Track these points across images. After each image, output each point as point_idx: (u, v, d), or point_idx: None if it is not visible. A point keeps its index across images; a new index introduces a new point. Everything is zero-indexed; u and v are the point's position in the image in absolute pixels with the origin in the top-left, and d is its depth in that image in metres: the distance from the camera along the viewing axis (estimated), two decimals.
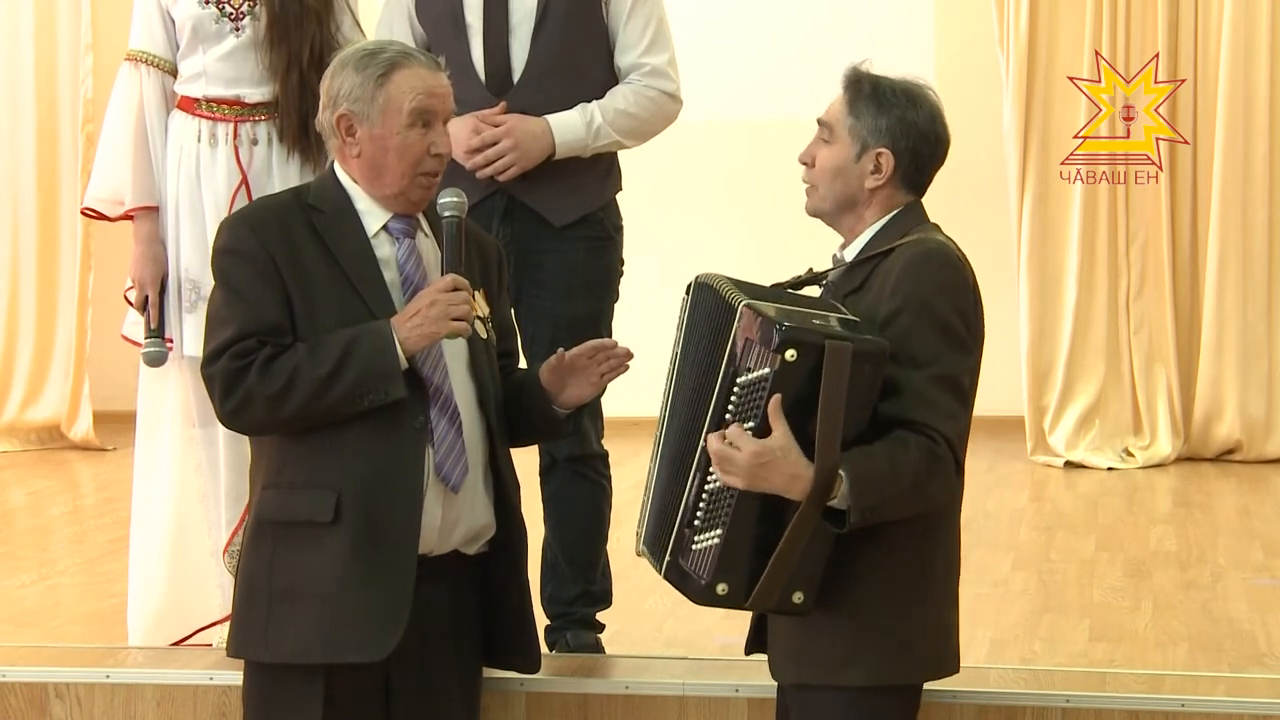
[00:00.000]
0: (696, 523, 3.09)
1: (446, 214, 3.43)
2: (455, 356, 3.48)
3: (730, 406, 3.05)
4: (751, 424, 3.02)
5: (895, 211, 3.27)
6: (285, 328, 3.38)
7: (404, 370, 3.35)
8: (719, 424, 3.06)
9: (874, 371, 3.03)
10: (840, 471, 3.00)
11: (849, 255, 3.28)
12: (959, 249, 3.25)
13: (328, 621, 3.35)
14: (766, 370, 2.99)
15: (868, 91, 3.25)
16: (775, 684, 3.37)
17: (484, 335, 3.50)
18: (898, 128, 3.23)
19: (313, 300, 3.39)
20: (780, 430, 2.99)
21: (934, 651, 3.25)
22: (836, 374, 2.98)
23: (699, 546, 3.09)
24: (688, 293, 3.32)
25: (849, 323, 3.10)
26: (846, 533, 3.05)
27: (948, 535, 3.26)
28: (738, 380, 3.04)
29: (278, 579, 3.39)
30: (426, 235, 3.55)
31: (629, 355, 3.55)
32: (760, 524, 3.07)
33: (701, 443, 3.08)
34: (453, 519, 3.45)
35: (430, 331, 3.35)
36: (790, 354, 2.97)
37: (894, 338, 3.09)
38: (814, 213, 3.32)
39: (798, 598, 3.10)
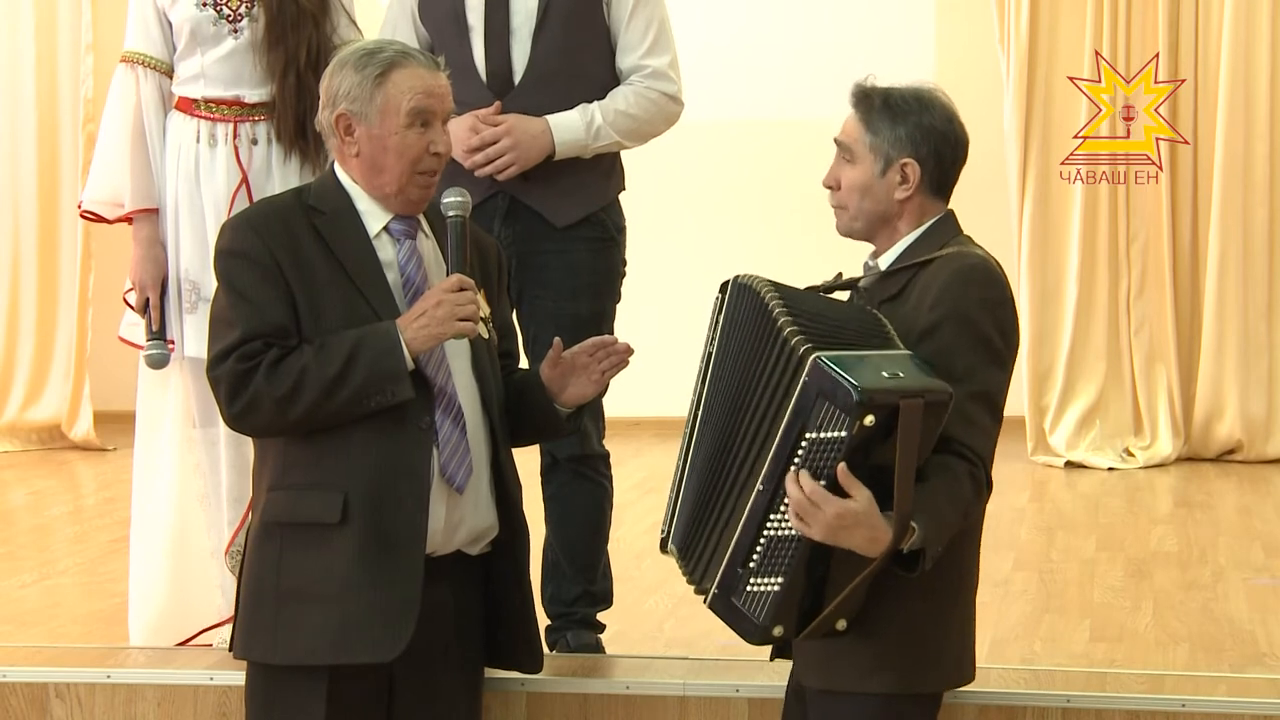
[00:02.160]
0: (753, 564, 3.08)
1: (451, 213, 3.42)
2: (458, 356, 3.48)
3: (797, 458, 3.02)
4: (823, 482, 3.00)
5: (931, 222, 3.27)
6: (290, 329, 3.38)
7: (410, 371, 3.35)
8: (783, 470, 3.03)
9: (938, 420, 3.03)
10: (913, 524, 3.00)
11: (884, 263, 3.27)
12: (997, 262, 3.26)
13: (337, 622, 3.35)
14: (843, 434, 2.97)
15: (879, 105, 3.24)
16: (775, 684, 3.37)
17: (485, 335, 3.50)
18: (917, 134, 3.23)
19: (317, 302, 3.39)
20: (863, 495, 2.99)
21: (956, 660, 3.27)
22: (911, 429, 2.97)
23: (756, 589, 3.09)
24: (722, 292, 3.30)
25: (904, 360, 3.06)
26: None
27: (971, 547, 3.28)
28: (806, 435, 3.01)
29: (285, 580, 3.39)
30: (427, 236, 3.55)
31: (629, 351, 3.55)
32: (820, 569, 3.08)
33: (759, 483, 3.06)
34: (456, 519, 3.45)
35: (437, 332, 3.35)
36: (869, 420, 2.95)
37: (934, 351, 3.10)
38: (847, 233, 3.31)
39: (841, 624, 3.13)
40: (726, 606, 3.12)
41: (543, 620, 4.34)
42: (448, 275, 3.41)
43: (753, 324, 3.18)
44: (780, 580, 3.07)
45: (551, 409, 3.55)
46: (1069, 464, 7.21)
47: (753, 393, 3.13)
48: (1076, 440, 7.28)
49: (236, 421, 3.43)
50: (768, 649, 3.37)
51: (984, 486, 3.14)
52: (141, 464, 4.50)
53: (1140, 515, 6.30)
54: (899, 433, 2.96)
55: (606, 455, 4.39)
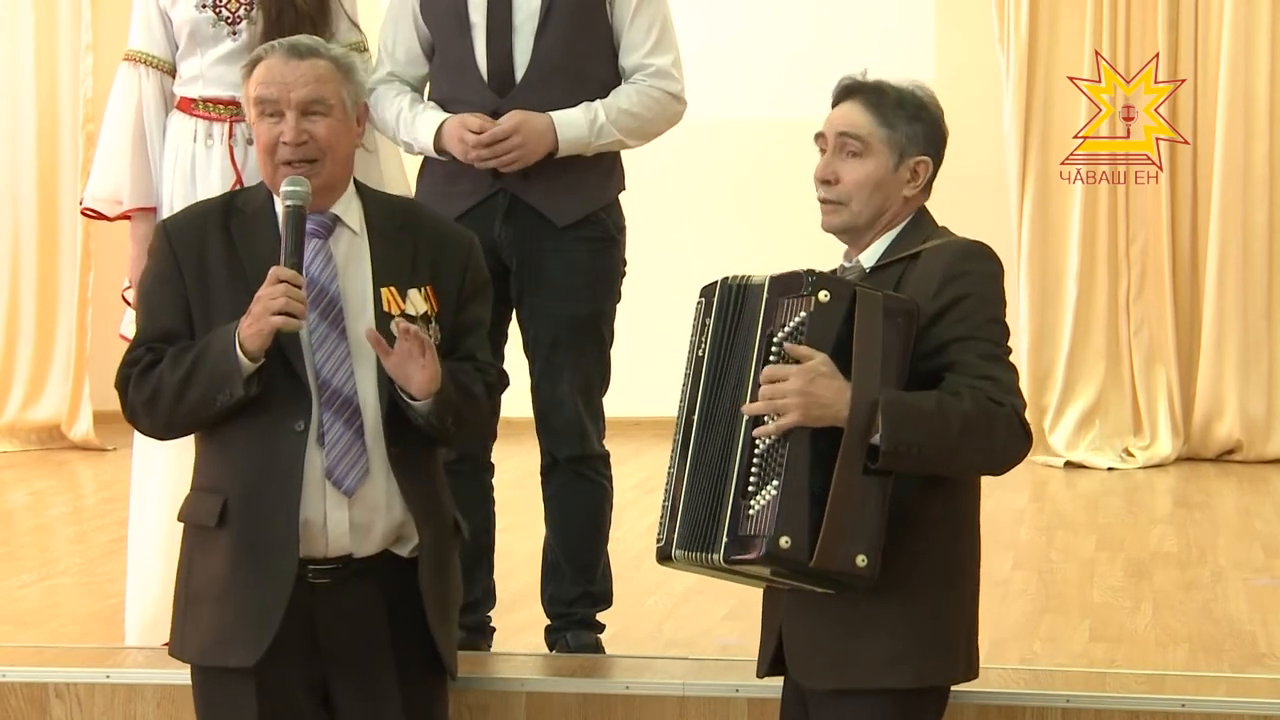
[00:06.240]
0: (750, 487, 3.02)
1: (287, 203, 3.37)
2: (364, 357, 3.40)
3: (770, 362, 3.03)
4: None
5: (910, 217, 3.24)
6: (179, 334, 3.40)
7: (257, 369, 3.29)
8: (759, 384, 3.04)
9: (906, 325, 3.04)
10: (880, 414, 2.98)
11: (867, 260, 3.22)
12: None
13: (216, 624, 3.38)
14: (802, 314, 3.00)
15: (894, 99, 3.20)
16: (775, 685, 3.35)
17: (397, 334, 3.33)
18: (931, 133, 3.22)
19: (210, 306, 3.40)
20: (820, 355, 2.99)
21: (966, 652, 3.25)
22: (869, 318, 3.00)
23: (758, 507, 3.01)
24: (705, 296, 3.26)
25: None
26: (885, 469, 2.99)
27: (973, 537, 3.26)
28: (774, 340, 3.03)
29: (191, 580, 3.44)
30: (357, 234, 3.48)
31: (408, 331, 3.31)
32: (815, 472, 3.00)
33: (746, 418, 3.04)
34: (364, 521, 3.39)
35: (257, 329, 3.28)
36: (823, 295, 3.00)
37: (954, 321, 3.09)
38: (842, 228, 3.24)
39: (861, 560, 3.01)
40: (736, 544, 3.02)
41: (543, 620, 4.35)
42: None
43: (731, 304, 3.15)
44: (775, 484, 3.00)
45: (409, 408, 3.38)
46: (1068, 464, 7.21)
47: (740, 358, 3.10)
48: (1076, 440, 7.28)
49: (132, 425, 3.50)
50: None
51: (1002, 419, 3.05)
52: (140, 463, 4.51)
53: (1140, 515, 6.30)
54: (857, 322, 2.99)
55: (606, 455, 4.39)
